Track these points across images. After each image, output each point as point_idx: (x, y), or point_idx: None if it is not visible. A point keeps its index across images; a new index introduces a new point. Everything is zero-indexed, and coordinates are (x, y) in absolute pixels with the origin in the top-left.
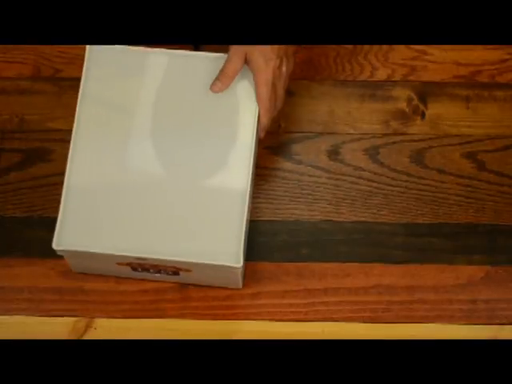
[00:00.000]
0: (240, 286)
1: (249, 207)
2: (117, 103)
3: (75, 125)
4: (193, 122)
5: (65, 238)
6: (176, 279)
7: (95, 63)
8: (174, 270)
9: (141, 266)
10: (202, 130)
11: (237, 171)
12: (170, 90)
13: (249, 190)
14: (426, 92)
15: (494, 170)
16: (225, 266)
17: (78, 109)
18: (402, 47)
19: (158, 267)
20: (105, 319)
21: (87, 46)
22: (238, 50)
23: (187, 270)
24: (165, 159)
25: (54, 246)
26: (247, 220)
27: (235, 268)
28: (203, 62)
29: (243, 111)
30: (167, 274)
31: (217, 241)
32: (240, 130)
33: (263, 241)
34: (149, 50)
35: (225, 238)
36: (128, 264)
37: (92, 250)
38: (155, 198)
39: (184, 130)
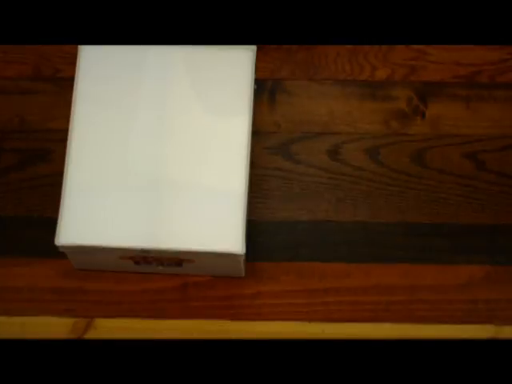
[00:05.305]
0: (243, 274)
1: (247, 193)
2: (112, 100)
3: (71, 123)
4: (189, 116)
5: (67, 234)
6: (179, 271)
7: (88, 62)
8: (177, 261)
9: (143, 259)
10: (197, 121)
11: (234, 158)
12: (166, 85)
13: (247, 176)
14: (426, 92)
15: (494, 170)
16: (228, 253)
17: (72, 108)
18: (402, 47)
19: (160, 259)
20: (105, 319)
21: (79, 45)
22: None
23: (190, 261)
24: (162, 152)
25: (57, 242)
26: (247, 206)
27: (238, 255)
28: (201, 55)
29: (237, 103)
30: (170, 265)
31: (218, 229)
32: (235, 118)
33: (263, 241)
34: (143, 46)
35: (226, 226)
36: (131, 258)
37: (94, 244)
38: (155, 191)
39: (180, 124)
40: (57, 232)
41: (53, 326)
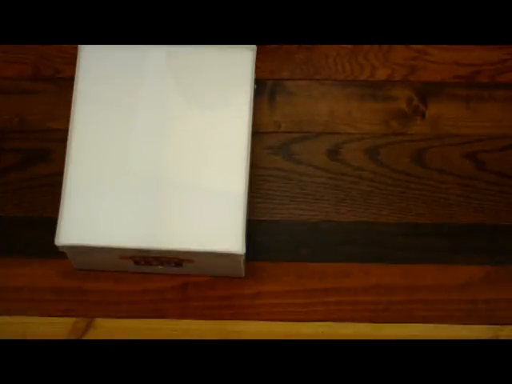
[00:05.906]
0: (243, 274)
1: (247, 193)
2: (112, 100)
3: (71, 123)
4: (188, 116)
5: (67, 234)
6: (179, 271)
7: (88, 62)
8: (177, 261)
9: (144, 259)
10: (197, 121)
11: (234, 158)
12: (166, 85)
13: (247, 176)
14: (426, 92)
15: (494, 170)
16: (228, 253)
17: (72, 108)
18: (401, 47)
19: (160, 259)
20: (105, 319)
21: (79, 45)
22: None
23: (190, 261)
24: (162, 152)
25: (57, 242)
26: (247, 206)
27: (238, 255)
28: (201, 55)
29: (237, 104)
30: (170, 265)
31: (218, 229)
32: (235, 118)
33: (263, 241)
34: (143, 46)
35: (226, 226)
36: (131, 257)
37: (94, 244)
38: (155, 191)
39: (180, 124)
40: (57, 232)
41: (53, 326)
